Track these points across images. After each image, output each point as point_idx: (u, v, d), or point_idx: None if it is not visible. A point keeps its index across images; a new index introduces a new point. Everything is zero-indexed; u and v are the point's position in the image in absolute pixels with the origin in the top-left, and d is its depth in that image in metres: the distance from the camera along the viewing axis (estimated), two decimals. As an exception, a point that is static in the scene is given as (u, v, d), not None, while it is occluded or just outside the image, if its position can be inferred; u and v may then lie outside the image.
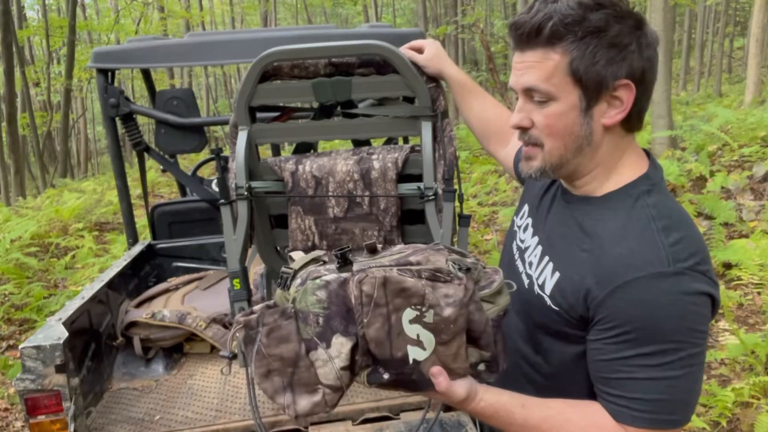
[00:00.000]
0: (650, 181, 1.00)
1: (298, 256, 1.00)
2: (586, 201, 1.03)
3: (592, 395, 0.98)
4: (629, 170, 1.01)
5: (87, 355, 2.34)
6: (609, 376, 0.92)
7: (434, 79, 1.87)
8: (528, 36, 0.94)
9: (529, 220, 1.18)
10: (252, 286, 2.40)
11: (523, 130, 1.01)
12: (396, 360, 0.86)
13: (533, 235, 1.15)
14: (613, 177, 1.01)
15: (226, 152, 2.11)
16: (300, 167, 1.94)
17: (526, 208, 1.23)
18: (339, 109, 2.08)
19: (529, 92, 0.97)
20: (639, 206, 0.96)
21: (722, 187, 5.62)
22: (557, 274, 1.02)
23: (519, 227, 1.23)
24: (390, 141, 2.88)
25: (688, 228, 0.93)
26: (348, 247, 0.90)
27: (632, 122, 0.99)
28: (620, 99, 0.95)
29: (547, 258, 1.06)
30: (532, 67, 0.95)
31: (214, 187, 3.58)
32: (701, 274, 0.88)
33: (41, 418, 1.98)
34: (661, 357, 0.87)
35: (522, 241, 1.19)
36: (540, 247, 1.10)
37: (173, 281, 3.22)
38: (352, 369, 0.87)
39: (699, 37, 22.50)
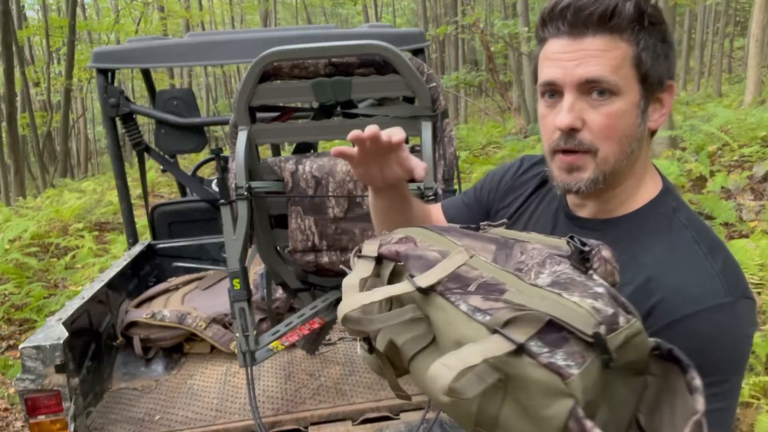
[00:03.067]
0: (673, 194, 0.93)
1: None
2: (611, 224, 0.93)
3: None
4: (652, 183, 0.93)
5: (87, 355, 2.34)
6: None
7: (434, 79, 1.87)
8: (599, 19, 0.81)
9: None
10: (252, 286, 2.40)
11: (571, 133, 0.85)
12: None
13: None
14: (639, 191, 0.92)
15: (226, 152, 2.11)
16: (300, 167, 1.94)
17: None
18: (339, 109, 2.08)
19: (586, 86, 0.83)
20: (676, 227, 0.88)
21: (722, 187, 5.63)
22: None
23: None
24: (390, 141, 2.88)
25: (721, 243, 0.88)
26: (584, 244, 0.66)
27: (658, 128, 0.91)
28: (662, 101, 0.88)
29: None
30: (595, 56, 0.82)
31: (214, 187, 3.58)
32: (750, 299, 0.85)
33: (41, 418, 1.99)
34: (714, 388, 0.82)
35: None
36: None
37: (173, 281, 3.23)
38: None
39: (699, 37, 22.50)
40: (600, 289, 0.59)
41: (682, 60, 21.74)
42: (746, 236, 4.73)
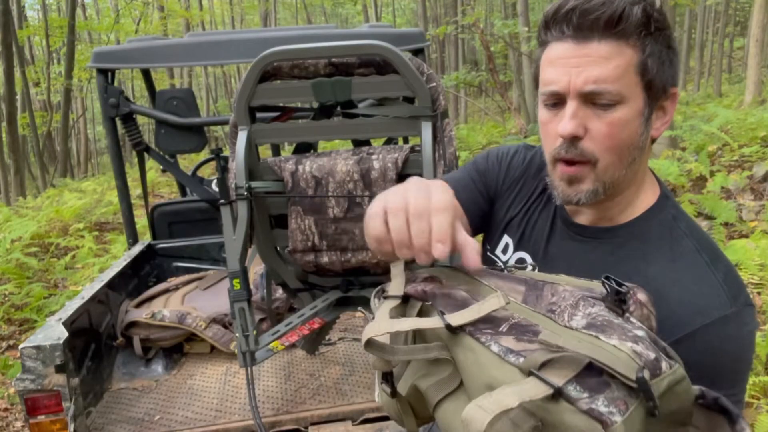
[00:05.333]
0: (671, 201, 0.92)
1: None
2: (610, 233, 0.90)
3: None
4: (650, 189, 0.91)
5: (87, 355, 2.34)
6: None
7: (434, 79, 1.87)
8: (606, 24, 0.77)
9: (525, 255, 1.01)
10: (252, 286, 2.40)
11: (573, 141, 0.82)
12: None
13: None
14: (639, 198, 0.90)
15: (226, 152, 2.11)
16: (300, 167, 1.94)
17: (508, 240, 1.04)
18: (339, 109, 2.08)
19: (590, 94, 0.79)
20: (677, 236, 0.87)
21: (722, 187, 5.62)
22: None
23: (506, 263, 1.03)
24: (390, 141, 2.88)
25: (720, 251, 0.88)
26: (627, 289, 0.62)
27: (660, 135, 0.88)
28: (665, 109, 0.85)
29: None
30: (597, 63, 0.78)
31: (214, 187, 3.58)
32: (752, 306, 0.85)
33: (41, 418, 1.98)
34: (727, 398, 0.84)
35: None
36: None
37: (173, 281, 3.22)
38: None
39: (699, 37, 22.49)
40: (640, 332, 0.56)
41: (682, 60, 21.70)
42: (746, 236, 4.72)
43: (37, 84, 18.64)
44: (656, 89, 0.82)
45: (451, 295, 0.68)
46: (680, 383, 0.54)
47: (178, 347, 2.79)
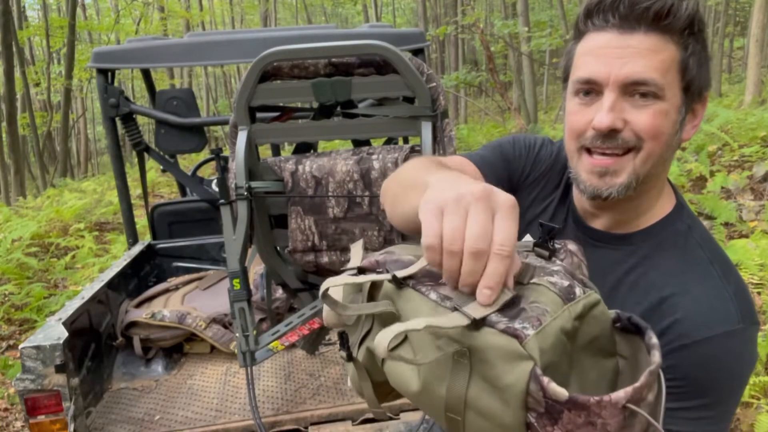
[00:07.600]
0: (687, 210, 0.90)
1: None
2: (623, 240, 0.89)
3: None
4: (668, 197, 0.90)
5: (87, 355, 2.34)
6: None
7: (434, 79, 1.87)
8: (655, 16, 0.76)
9: None
10: (252, 286, 2.40)
11: (611, 134, 0.79)
12: None
13: None
14: (657, 204, 0.88)
15: (226, 152, 2.11)
16: (300, 167, 1.95)
17: (528, 238, 1.04)
18: (339, 109, 2.08)
19: (630, 87, 0.77)
20: (690, 246, 0.85)
21: (722, 187, 5.63)
22: None
23: None
24: (390, 141, 2.88)
25: (732, 264, 0.87)
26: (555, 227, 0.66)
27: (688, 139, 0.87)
28: (695, 112, 0.84)
29: None
30: (643, 56, 0.76)
31: (214, 187, 3.58)
32: (757, 325, 0.83)
33: (41, 418, 1.99)
34: (704, 411, 0.80)
35: None
36: None
37: (173, 281, 3.23)
38: None
39: (699, 37, 22.49)
40: (556, 267, 0.62)
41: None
42: (746, 236, 4.72)
43: (37, 84, 18.63)
44: (693, 91, 0.81)
45: (399, 260, 0.73)
46: (596, 306, 0.58)
47: (178, 347, 2.79)
